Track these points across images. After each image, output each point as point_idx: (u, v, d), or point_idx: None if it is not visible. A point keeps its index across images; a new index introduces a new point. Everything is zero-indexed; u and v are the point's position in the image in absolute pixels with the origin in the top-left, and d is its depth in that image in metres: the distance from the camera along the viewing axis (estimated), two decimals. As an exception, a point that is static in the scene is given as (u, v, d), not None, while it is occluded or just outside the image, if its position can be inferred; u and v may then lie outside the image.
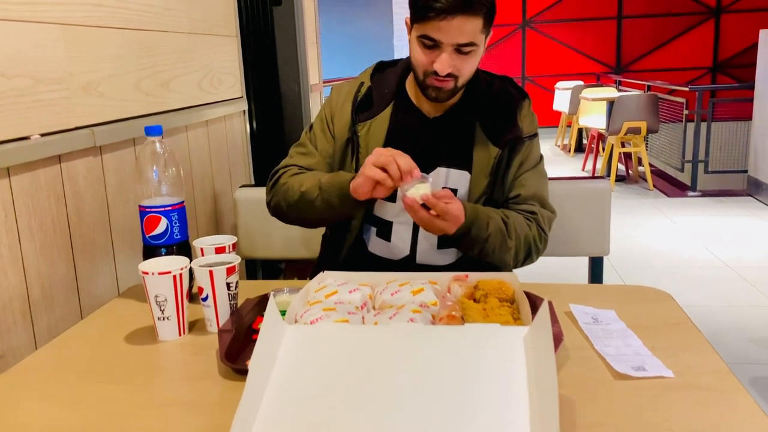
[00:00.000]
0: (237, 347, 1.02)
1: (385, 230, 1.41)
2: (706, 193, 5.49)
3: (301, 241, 1.97)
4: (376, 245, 1.44)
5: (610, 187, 1.93)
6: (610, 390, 0.89)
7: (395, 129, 1.40)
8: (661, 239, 4.39)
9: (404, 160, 1.18)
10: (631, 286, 1.29)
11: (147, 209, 1.23)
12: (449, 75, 1.28)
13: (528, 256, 1.38)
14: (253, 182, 2.41)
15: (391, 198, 1.37)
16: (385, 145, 1.37)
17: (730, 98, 6.43)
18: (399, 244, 1.41)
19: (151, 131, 1.24)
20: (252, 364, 0.82)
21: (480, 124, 1.39)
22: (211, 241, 1.26)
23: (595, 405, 0.85)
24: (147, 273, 1.07)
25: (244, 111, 2.28)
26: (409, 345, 0.88)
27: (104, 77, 1.44)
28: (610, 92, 6.70)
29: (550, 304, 0.87)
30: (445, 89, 1.32)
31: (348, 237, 1.42)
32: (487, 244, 1.30)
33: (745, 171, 5.40)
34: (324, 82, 3.91)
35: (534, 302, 1.05)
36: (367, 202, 1.28)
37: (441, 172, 1.38)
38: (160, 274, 1.06)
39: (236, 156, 2.22)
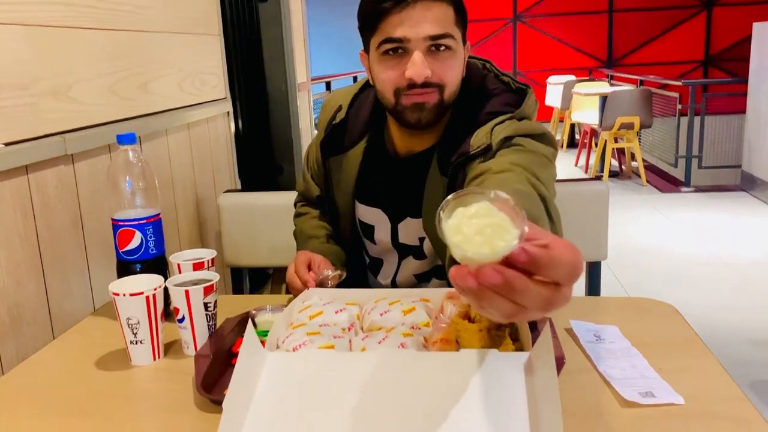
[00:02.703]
0: (215, 374, 0.95)
1: (375, 265, 1.35)
2: (699, 189, 5.45)
3: (288, 248, 1.89)
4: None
5: (608, 189, 1.87)
6: (616, 419, 0.83)
7: (365, 170, 1.24)
8: (656, 236, 4.34)
9: (302, 270, 1.17)
10: (633, 299, 1.23)
11: (120, 222, 1.16)
12: (429, 85, 1.06)
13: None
14: (238, 187, 2.33)
15: (371, 240, 1.30)
16: (355, 186, 1.25)
17: (723, 92, 6.38)
18: (381, 281, 1.34)
19: (123, 139, 1.16)
20: (228, 398, 0.75)
21: (437, 155, 1.15)
22: (189, 256, 1.19)
23: (601, 439, 0.79)
24: (118, 294, 0.99)
25: (228, 112, 2.20)
26: (399, 375, 0.81)
27: (75, 81, 1.35)
28: (603, 87, 6.64)
29: (550, 322, 0.80)
30: (429, 104, 1.07)
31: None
32: None
33: (739, 166, 5.36)
34: (312, 80, 3.83)
35: (534, 320, 0.98)
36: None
37: (409, 223, 1.22)
38: (131, 295, 0.99)
39: (220, 160, 2.14)
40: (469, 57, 1.18)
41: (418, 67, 1.04)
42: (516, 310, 0.55)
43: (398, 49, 1.06)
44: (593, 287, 1.87)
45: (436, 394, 0.79)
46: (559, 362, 0.90)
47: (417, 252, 1.24)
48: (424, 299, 1.04)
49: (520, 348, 0.91)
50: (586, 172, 6.38)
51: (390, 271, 1.30)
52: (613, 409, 0.85)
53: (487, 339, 0.94)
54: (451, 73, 1.09)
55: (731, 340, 2.78)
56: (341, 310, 1.00)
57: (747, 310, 3.11)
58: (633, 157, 6.18)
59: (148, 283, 1.02)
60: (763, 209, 4.81)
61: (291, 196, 1.56)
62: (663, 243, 4.18)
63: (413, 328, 0.95)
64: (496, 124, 1.08)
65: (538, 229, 0.59)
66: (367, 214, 1.27)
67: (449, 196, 0.59)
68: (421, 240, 1.22)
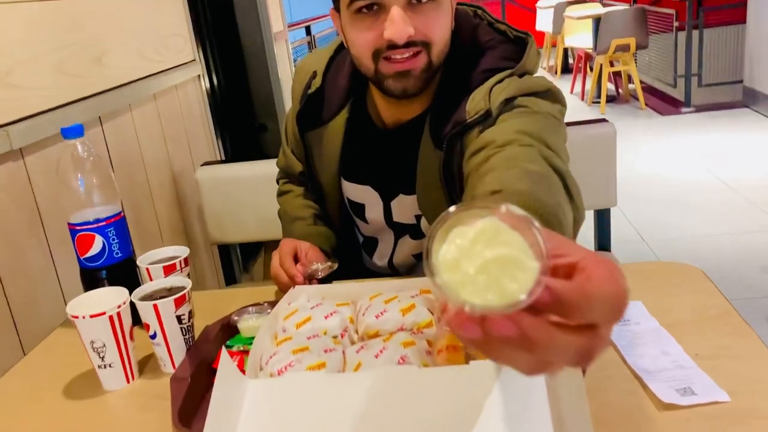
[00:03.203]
0: (194, 400, 0.84)
1: (369, 244, 1.22)
2: (700, 108, 5.28)
3: (277, 220, 1.78)
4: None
5: (615, 130, 1.73)
6: (653, 426, 0.72)
7: (349, 144, 1.10)
8: (659, 163, 4.21)
9: (288, 264, 1.04)
10: (656, 264, 1.11)
11: (77, 227, 1.03)
12: (413, 44, 0.90)
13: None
14: (219, 156, 2.18)
15: (362, 219, 1.17)
16: (339, 163, 1.11)
17: (721, 5, 6.10)
18: (377, 261, 1.22)
19: (69, 133, 1.01)
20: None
21: (429, 124, 1.00)
22: (159, 256, 1.07)
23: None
24: (77, 317, 0.87)
25: (199, 75, 2.03)
26: (402, 398, 0.70)
27: (15, 63, 1.20)
28: (595, 8, 6.36)
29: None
30: (415, 71, 0.92)
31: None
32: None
33: (740, 81, 5.17)
34: (289, 26, 3.61)
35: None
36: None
37: (403, 201, 1.09)
38: (92, 317, 0.87)
39: (195, 129, 1.99)
40: (457, 4, 1.02)
41: (397, 25, 0.87)
42: (539, 365, 0.42)
43: (373, 6, 0.89)
44: (603, 238, 1.76)
45: (445, 418, 0.68)
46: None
47: (414, 231, 1.12)
48: (425, 291, 0.93)
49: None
50: (582, 99, 6.18)
51: (386, 250, 1.18)
52: (648, 411, 0.74)
53: (498, 338, 0.83)
54: (438, 28, 0.93)
55: (744, 269, 2.69)
56: (332, 314, 0.88)
57: (757, 234, 3.01)
58: (630, 80, 5.97)
59: (111, 298, 0.90)
60: (767, 125, 4.66)
61: (275, 164, 1.42)
62: (666, 170, 4.05)
63: (414, 332, 0.84)
64: (495, 84, 0.94)
65: (562, 240, 0.45)
66: (356, 192, 1.13)
67: (447, 211, 0.43)
68: (418, 218, 1.10)
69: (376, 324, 0.86)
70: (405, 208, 1.09)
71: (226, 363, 0.74)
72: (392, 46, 0.90)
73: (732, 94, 5.23)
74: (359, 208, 1.15)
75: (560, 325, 0.40)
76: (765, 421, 0.71)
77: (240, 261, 2.14)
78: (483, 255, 0.41)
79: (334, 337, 0.86)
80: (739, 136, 4.50)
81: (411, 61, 0.92)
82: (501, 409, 0.67)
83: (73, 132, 1.01)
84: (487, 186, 0.71)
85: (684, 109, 5.32)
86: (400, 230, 1.13)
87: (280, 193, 1.29)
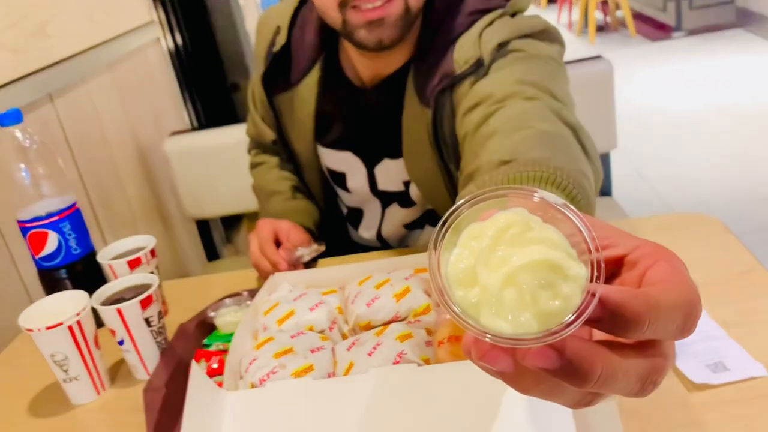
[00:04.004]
0: (172, 412, 0.75)
1: (354, 216, 1.12)
2: (692, 32, 5.10)
3: (257, 188, 1.67)
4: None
5: (611, 67, 1.61)
6: (684, 411, 0.64)
7: (323, 106, 0.99)
8: (653, 94, 4.07)
9: (269, 250, 0.94)
10: (670, 216, 1.02)
11: (27, 224, 0.92)
12: None
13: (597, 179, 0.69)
14: (192, 124, 2.05)
15: (343, 188, 1.06)
16: (314, 128, 1.00)
17: None
18: (364, 234, 1.11)
19: (4, 119, 0.89)
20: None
21: (412, 78, 0.89)
22: (123, 249, 0.96)
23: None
24: (32, 330, 0.77)
25: (159, 37, 1.88)
26: (400, 405, 0.62)
27: (-59, 43, 1.06)
28: (577, -68, 6.09)
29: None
30: (390, 18, 0.81)
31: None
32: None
33: (733, 1, 4.98)
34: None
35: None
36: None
37: (389, 166, 0.98)
38: (48, 328, 0.77)
39: (160, 96, 1.85)
40: None
41: None
42: (588, 397, 0.32)
43: None
44: (604, 185, 1.66)
45: (452, 425, 0.60)
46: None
47: (402, 198, 1.02)
48: (419, 270, 0.83)
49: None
50: (569, 29, 5.99)
51: (373, 221, 1.08)
52: (678, 393, 0.66)
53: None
54: None
55: (749, 202, 2.60)
56: (317, 305, 0.79)
57: (759, 163, 2.91)
58: (618, 7, 5.77)
59: (69, 304, 0.80)
60: (762, 47, 4.51)
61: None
62: (662, 101, 3.92)
63: (410, 322, 0.74)
64: (485, 27, 0.82)
65: (601, 226, 0.34)
66: (335, 159, 1.03)
67: (454, 206, 0.32)
68: (407, 184, 0.99)
69: (368, 313, 0.77)
70: (391, 173, 0.98)
71: (197, 376, 0.65)
72: None
73: (724, 15, 5.04)
74: (340, 177, 1.04)
75: (615, 346, 0.30)
76: (812, 399, 0.63)
77: (222, 233, 2.04)
78: (509, 261, 0.31)
79: (321, 331, 0.77)
80: (734, 60, 4.36)
81: (384, 8, 0.80)
82: (517, 411, 0.59)
83: (9, 118, 0.89)
84: (492, 154, 0.60)
85: (675, 34, 5.15)
86: (387, 199, 1.03)
87: (253, 165, 1.18)
